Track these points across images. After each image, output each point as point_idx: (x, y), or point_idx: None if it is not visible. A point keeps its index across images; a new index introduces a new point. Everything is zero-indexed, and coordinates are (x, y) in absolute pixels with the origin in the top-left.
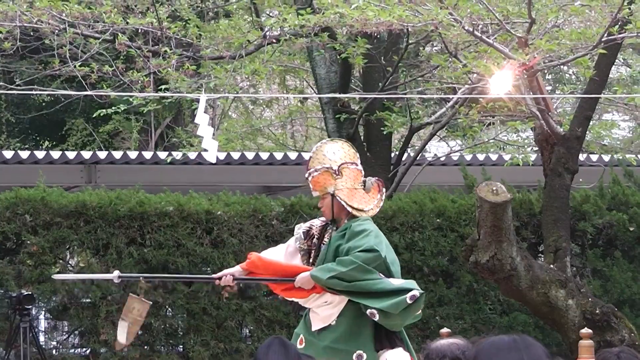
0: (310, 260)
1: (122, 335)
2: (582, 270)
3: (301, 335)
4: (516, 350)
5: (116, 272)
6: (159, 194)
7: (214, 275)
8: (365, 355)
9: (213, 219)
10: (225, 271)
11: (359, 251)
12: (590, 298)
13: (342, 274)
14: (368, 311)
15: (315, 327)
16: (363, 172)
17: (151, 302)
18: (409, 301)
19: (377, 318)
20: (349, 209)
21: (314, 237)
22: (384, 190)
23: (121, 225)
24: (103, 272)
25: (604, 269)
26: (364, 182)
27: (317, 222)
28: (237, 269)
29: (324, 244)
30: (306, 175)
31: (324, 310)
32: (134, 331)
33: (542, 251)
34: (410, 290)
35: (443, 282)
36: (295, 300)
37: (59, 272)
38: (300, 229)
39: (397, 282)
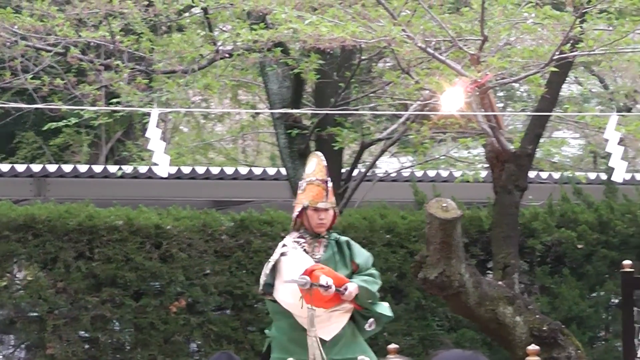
0: None
1: None
2: (530, 287)
3: None
4: None
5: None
6: (108, 208)
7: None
8: (368, 359)
9: (162, 234)
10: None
11: (372, 264)
12: (537, 315)
13: (379, 287)
14: (370, 320)
15: (329, 336)
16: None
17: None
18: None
19: (372, 327)
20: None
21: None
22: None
23: (70, 239)
24: (50, 286)
25: (552, 286)
26: None
27: (292, 240)
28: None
29: (314, 257)
30: (325, 185)
31: (338, 317)
32: None
33: (491, 268)
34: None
35: (392, 298)
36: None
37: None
38: (289, 250)
39: None
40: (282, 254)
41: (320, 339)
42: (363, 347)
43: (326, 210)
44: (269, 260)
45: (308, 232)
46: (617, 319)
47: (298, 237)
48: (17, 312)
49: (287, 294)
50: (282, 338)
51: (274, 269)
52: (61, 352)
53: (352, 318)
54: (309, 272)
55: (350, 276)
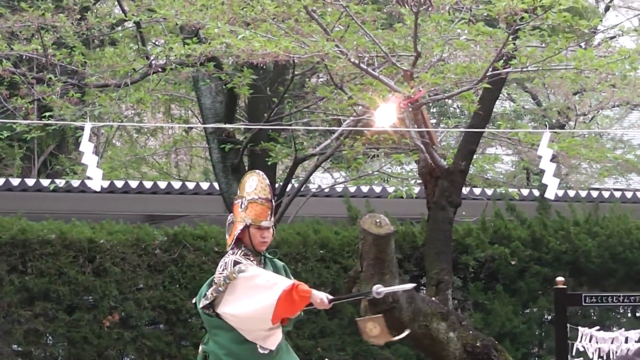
0: None
1: None
2: (463, 303)
3: None
4: None
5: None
6: (41, 222)
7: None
8: None
9: (95, 248)
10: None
11: None
12: (471, 331)
13: None
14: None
15: (274, 345)
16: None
17: (381, 315)
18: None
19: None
20: None
21: None
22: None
23: (2, 252)
24: None
25: (485, 302)
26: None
27: (242, 257)
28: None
29: None
30: (269, 204)
31: (278, 328)
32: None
33: (425, 284)
34: None
35: (325, 313)
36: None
37: None
38: (246, 266)
39: None
40: (240, 271)
41: (267, 349)
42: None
43: (268, 228)
44: (223, 277)
45: (249, 249)
46: (551, 336)
47: (243, 255)
48: None
49: (254, 309)
50: (220, 352)
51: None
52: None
53: None
54: (296, 286)
55: None
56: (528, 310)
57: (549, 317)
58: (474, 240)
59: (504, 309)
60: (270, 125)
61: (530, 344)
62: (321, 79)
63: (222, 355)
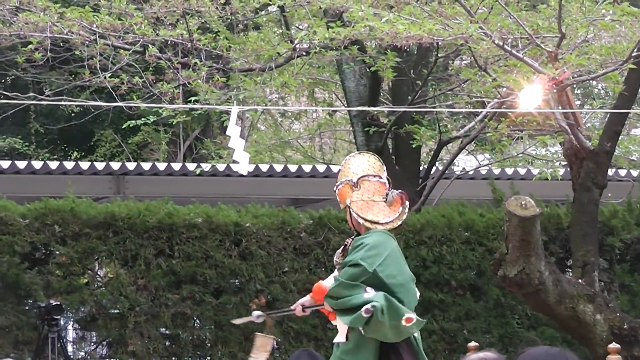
0: None
1: None
2: (610, 285)
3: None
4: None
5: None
6: (187, 206)
7: (291, 307)
8: None
9: (241, 231)
10: (298, 302)
11: (348, 266)
12: (618, 313)
13: (331, 292)
14: (364, 308)
15: (335, 340)
16: (389, 184)
17: (274, 337)
18: (364, 315)
19: (364, 332)
20: (361, 221)
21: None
22: (407, 203)
23: (150, 236)
24: (130, 283)
25: (631, 284)
26: (386, 194)
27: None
28: (307, 299)
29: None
30: (334, 188)
31: (340, 325)
32: None
33: (570, 266)
34: (367, 303)
35: (471, 295)
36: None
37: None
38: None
39: (368, 295)
40: None
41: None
42: (364, 355)
43: (345, 211)
44: None
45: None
46: None
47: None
48: (99, 309)
49: None
50: None
51: None
52: (142, 349)
53: None
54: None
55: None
56: None
57: None
58: (620, 222)
59: None
60: (414, 107)
61: None
62: (465, 61)
63: None
